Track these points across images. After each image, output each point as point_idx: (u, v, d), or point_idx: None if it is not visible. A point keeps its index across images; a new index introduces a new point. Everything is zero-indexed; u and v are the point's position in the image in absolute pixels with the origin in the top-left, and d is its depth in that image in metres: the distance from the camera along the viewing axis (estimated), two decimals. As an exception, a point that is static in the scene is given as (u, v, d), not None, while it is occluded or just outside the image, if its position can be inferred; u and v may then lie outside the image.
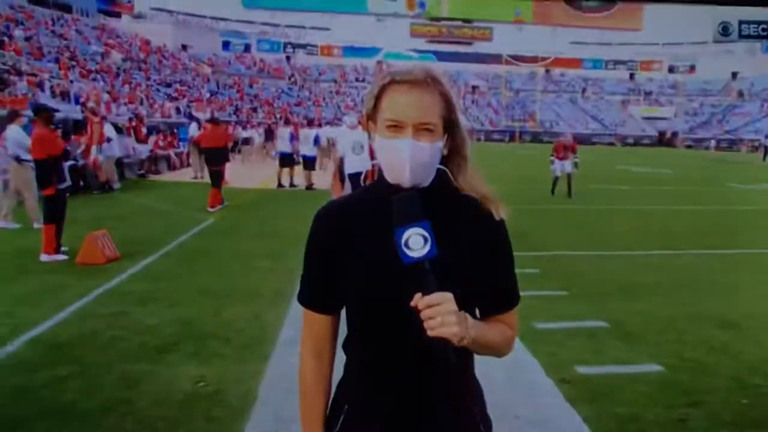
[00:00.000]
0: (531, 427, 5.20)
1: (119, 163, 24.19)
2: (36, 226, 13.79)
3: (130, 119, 30.66)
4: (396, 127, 2.03)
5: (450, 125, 2.12)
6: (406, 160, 2.02)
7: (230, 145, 20.59)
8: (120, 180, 22.94)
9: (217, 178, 18.27)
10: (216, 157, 18.57)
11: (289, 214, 16.77)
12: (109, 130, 23.20)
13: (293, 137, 25.39)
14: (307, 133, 24.47)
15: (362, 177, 14.52)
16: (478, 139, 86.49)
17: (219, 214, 16.94)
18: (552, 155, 24.24)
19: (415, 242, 1.89)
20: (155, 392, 5.70)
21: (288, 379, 5.90)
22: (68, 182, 11.83)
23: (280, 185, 24.44)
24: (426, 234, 1.91)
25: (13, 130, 14.58)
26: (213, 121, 21.28)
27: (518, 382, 6.06)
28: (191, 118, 32.23)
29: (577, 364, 6.60)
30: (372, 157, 14.22)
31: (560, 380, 6.15)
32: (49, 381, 5.89)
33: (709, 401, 5.71)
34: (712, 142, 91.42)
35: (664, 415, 5.42)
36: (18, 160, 14.22)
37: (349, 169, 14.80)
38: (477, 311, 2.19)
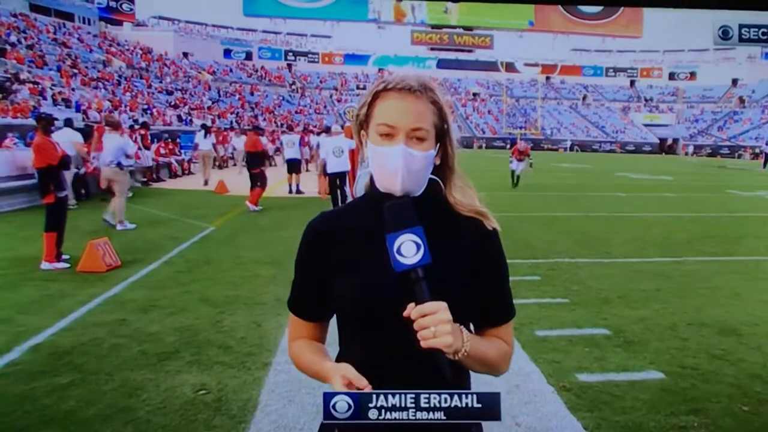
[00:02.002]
0: (532, 434, 5.21)
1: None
2: (119, 227, 15.64)
3: (131, 126, 30.62)
4: (388, 134, 2.03)
5: (442, 134, 2.12)
6: (399, 167, 2.01)
7: (265, 150, 21.39)
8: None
9: (257, 179, 19.89)
10: (255, 161, 20.01)
11: (290, 222, 16.79)
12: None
13: (302, 143, 26.16)
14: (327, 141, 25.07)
15: (342, 177, 18.32)
16: (479, 147, 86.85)
17: (220, 221, 16.95)
18: (511, 156, 30.02)
19: (408, 249, 1.89)
20: (156, 400, 5.70)
21: (288, 387, 5.92)
22: (67, 191, 11.85)
23: (295, 191, 25.01)
24: (419, 240, 1.90)
25: (116, 139, 16.47)
26: (255, 129, 22.32)
27: (519, 390, 6.06)
28: (203, 127, 32.32)
29: (577, 371, 6.60)
30: (352, 161, 17.58)
31: (561, 388, 6.15)
32: (50, 389, 5.90)
33: (710, 408, 5.71)
34: (690, 148, 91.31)
35: (665, 423, 5.42)
36: (119, 165, 16.12)
37: (329, 169, 18.50)
38: (471, 326, 2.18)
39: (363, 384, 1.88)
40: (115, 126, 17.84)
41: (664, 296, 9.86)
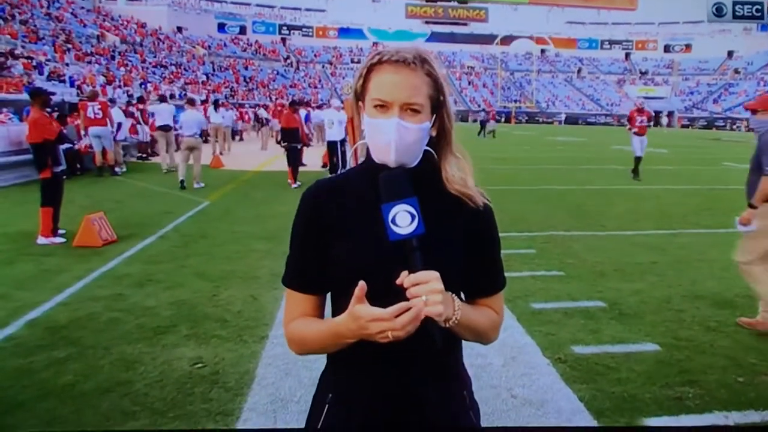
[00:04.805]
0: (527, 406, 5.22)
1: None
2: (196, 186, 18.76)
3: (128, 102, 30.65)
4: (382, 107, 2.02)
5: (438, 106, 2.11)
6: (392, 139, 2.00)
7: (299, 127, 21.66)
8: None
9: (294, 154, 20.25)
10: (291, 136, 20.22)
11: (285, 196, 16.80)
12: (117, 114, 23.50)
13: (308, 118, 26.70)
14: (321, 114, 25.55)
15: (334, 144, 20.61)
16: (474, 120, 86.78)
17: (215, 195, 16.96)
18: (631, 130, 23.28)
19: (402, 219, 1.89)
20: (153, 374, 5.72)
21: (285, 360, 5.94)
22: (63, 165, 11.85)
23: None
24: (413, 211, 1.90)
25: (195, 114, 20.44)
26: (291, 104, 22.43)
27: (515, 362, 6.09)
28: (214, 102, 32.40)
29: (573, 344, 6.62)
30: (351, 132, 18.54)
31: (556, 360, 6.17)
32: (48, 363, 5.92)
33: (704, 380, 5.73)
34: (664, 120, 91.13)
35: (660, 394, 5.44)
36: (201, 136, 19.98)
37: (326, 138, 21.90)
38: (462, 295, 2.18)
39: (364, 286, 1.86)
40: (192, 102, 21.74)
41: (660, 269, 9.87)
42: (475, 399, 2.31)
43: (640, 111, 23.45)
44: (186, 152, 19.47)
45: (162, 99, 27.44)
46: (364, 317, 1.84)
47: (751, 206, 7.74)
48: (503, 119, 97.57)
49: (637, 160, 22.88)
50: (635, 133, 22.69)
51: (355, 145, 2.29)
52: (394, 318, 1.81)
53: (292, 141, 19.88)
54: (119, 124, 23.78)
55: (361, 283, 1.86)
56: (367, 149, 2.15)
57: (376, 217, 1.95)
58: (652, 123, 23.09)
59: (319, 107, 33.63)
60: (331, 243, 2.12)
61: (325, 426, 2.18)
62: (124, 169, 23.01)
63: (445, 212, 2.12)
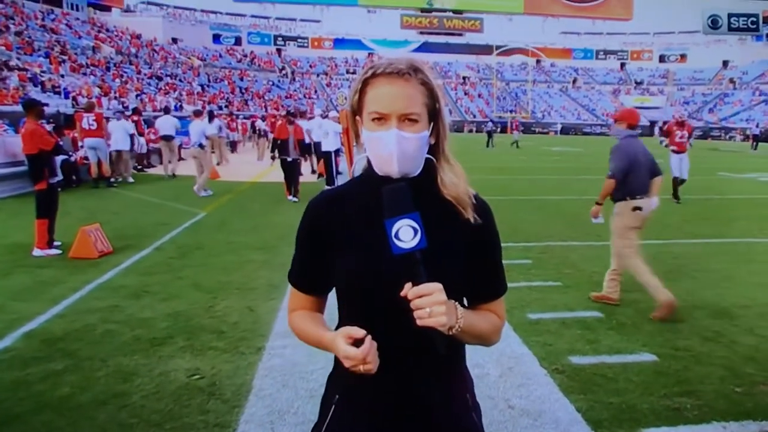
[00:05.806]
0: (525, 417, 5.21)
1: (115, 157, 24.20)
2: (202, 194, 19.48)
3: (121, 113, 30.67)
4: (380, 119, 2.03)
5: (434, 114, 2.12)
6: (393, 151, 2.02)
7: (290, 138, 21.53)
8: (114, 174, 22.84)
9: (284, 167, 19.72)
10: (281, 148, 19.88)
11: (281, 207, 16.83)
12: (125, 126, 24.27)
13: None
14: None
15: (329, 154, 21.17)
16: (470, 131, 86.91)
17: (211, 206, 16.95)
18: (668, 145, 20.54)
19: (405, 234, 1.90)
20: (150, 385, 5.71)
21: (282, 372, 5.93)
22: (59, 177, 11.85)
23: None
24: (416, 225, 1.91)
25: (197, 124, 20.94)
26: (287, 115, 22.13)
27: (512, 373, 6.07)
28: (209, 113, 32.34)
29: (570, 354, 6.62)
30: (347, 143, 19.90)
31: (554, 370, 6.17)
32: (44, 375, 5.91)
33: (702, 390, 5.73)
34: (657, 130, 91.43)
35: (658, 405, 5.43)
36: (201, 146, 20.45)
37: (322, 148, 22.17)
38: (465, 300, 2.20)
39: (362, 334, 1.93)
40: (198, 114, 22.62)
41: (656, 279, 9.87)
42: (477, 400, 2.36)
43: (680, 124, 20.32)
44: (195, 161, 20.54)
45: (166, 110, 28.64)
46: (340, 352, 1.95)
47: (597, 203, 9.68)
48: (499, 129, 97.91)
49: (676, 181, 19.63)
50: (674, 151, 19.72)
51: (354, 164, 2.32)
52: (365, 356, 1.90)
53: (281, 153, 19.54)
54: (131, 135, 24.98)
55: (367, 338, 1.95)
56: (368, 160, 2.16)
57: (377, 227, 1.96)
58: (693, 139, 20.48)
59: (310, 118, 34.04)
60: (332, 253, 2.15)
61: (331, 426, 2.23)
62: (131, 180, 23.23)
63: (446, 219, 2.14)
